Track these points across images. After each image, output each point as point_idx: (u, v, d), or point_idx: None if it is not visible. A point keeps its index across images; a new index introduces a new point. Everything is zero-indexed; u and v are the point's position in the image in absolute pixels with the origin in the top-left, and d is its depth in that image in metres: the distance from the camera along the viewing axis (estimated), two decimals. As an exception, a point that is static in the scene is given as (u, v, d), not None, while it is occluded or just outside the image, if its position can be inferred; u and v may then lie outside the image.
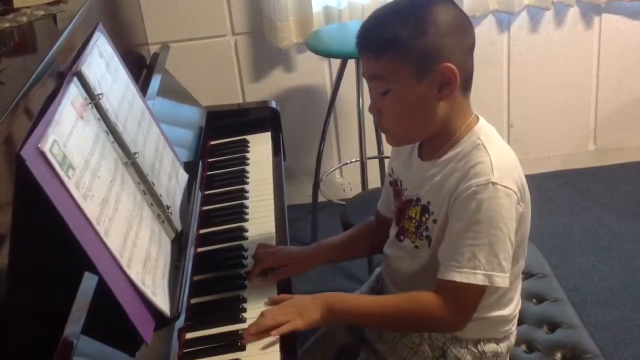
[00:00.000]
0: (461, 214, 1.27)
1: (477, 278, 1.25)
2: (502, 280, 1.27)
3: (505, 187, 1.26)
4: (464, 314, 1.30)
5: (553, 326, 1.61)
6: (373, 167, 3.03)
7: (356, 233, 1.64)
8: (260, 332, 1.30)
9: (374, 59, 1.30)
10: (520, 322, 1.55)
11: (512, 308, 1.42)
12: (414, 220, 1.39)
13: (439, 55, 1.26)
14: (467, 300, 1.29)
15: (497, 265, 1.25)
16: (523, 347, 1.55)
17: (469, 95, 1.35)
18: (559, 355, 1.52)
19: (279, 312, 1.33)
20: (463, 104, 1.34)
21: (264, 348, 1.29)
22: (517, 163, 1.33)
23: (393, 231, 1.48)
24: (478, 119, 1.36)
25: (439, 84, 1.28)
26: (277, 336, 1.29)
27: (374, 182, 2.98)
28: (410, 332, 1.42)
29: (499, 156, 1.29)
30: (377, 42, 1.29)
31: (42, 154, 1.07)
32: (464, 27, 1.31)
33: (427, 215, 1.36)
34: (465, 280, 1.25)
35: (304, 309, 1.33)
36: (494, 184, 1.25)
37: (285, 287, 1.47)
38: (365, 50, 1.32)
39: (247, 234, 1.63)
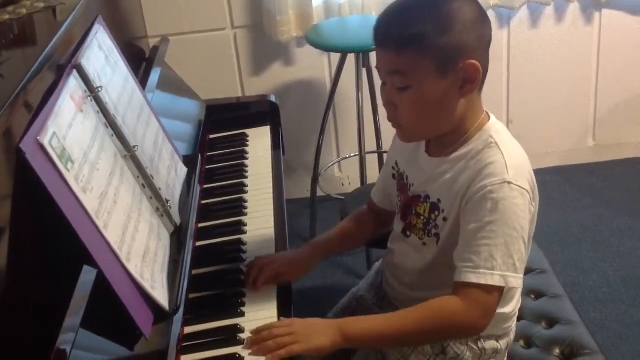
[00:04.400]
0: (476, 214, 1.25)
1: (494, 279, 1.22)
2: (516, 281, 1.25)
3: (520, 187, 1.24)
4: (488, 315, 1.26)
5: (551, 322, 1.61)
6: (372, 161, 3.02)
7: (350, 226, 1.61)
8: (259, 345, 1.24)
9: (395, 54, 1.26)
10: (518, 318, 1.55)
11: (514, 305, 1.42)
12: (422, 217, 1.38)
13: (463, 51, 1.24)
14: (490, 301, 1.25)
15: (511, 266, 1.23)
16: (521, 342, 1.56)
17: (481, 91, 1.33)
18: (557, 350, 1.52)
19: (281, 331, 1.24)
20: (477, 101, 1.32)
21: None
22: (528, 162, 1.32)
23: (399, 226, 1.46)
24: (489, 116, 1.35)
25: (462, 80, 1.26)
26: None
27: (373, 176, 2.97)
28: (434, 343, 1.38)
29: (511, 155, 1.28)
30: (399, 37, 1.25)
31: (42, 147, 1.06)
32: (485, 21, 1.29)
33: (437, 213, 1.35)
34: (482, 282, 1.22)
35: (311, 333, 1.25)
36: (509, 183, 1.24)
37: (285, 285, 1.46)
38: (385, 44, 1.28)
39: (246, 228, 1.63)
